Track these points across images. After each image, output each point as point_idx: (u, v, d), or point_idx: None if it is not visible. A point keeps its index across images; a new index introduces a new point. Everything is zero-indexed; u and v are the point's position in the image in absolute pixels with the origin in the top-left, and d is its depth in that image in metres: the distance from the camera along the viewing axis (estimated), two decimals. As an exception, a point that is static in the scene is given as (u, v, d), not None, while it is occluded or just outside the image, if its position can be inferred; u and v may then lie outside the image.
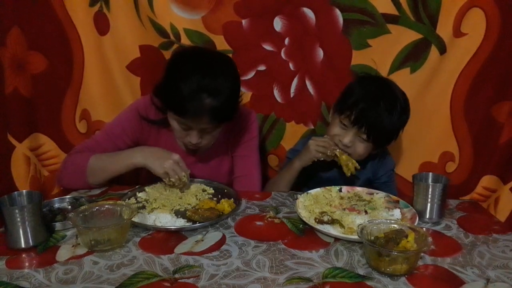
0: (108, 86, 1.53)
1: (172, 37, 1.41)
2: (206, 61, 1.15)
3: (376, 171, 1.42)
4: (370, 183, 1.42)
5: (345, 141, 1.25)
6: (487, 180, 1.46)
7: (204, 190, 1.24)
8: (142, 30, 1.44)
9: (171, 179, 1.17)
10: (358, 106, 1.21)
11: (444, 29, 1.34)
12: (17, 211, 0.88)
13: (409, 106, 1.28)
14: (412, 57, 1.39)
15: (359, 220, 1.04)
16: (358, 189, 1.25)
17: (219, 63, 1.16)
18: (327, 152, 1.25)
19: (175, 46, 1.44)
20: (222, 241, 0.96)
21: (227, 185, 1.29)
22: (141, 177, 1.41)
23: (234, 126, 1.36)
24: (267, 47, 1.45)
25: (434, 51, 1.37)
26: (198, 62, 1.13)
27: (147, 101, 1.29)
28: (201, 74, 1.09)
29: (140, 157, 1.20)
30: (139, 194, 1.19)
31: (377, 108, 1.21)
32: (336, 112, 1.30)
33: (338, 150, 1.26)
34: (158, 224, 1.01)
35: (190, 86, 1.08)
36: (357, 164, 1.27)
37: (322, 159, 1.28)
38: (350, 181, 1.33)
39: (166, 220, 1.03)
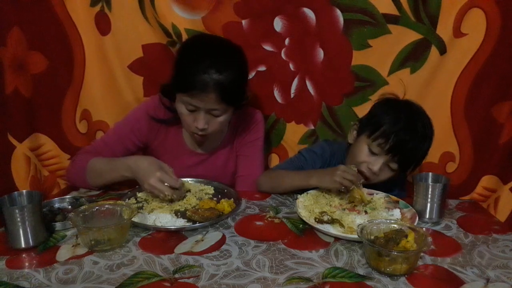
0: (109, 86, 1.52)
1: (174, 37, 1.41)
2: (217, 43, 1.21)
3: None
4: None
5: (375, 169, 1.17)
6: (487, 180, 1.45)
7: (202, 190, 1.24)
8: (147, 29, 1.44)
9: (160, 196, 1.11)
10: (395, 136, 1.13)
11: (444, 29, 1.34)
12: (17, 211, 0.88)
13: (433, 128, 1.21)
14: (412, 57, 1.39)
15: (359, 220, 1.04)
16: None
17: (229, 46, 1.21)
18: (350, 187, 1.11)
19: (178, 46, 1.44)
20: (222, 241, 0.96)
21: (228, 185, 1.29)
22: None
23: (240, 125, 1.37)
24: (267, 47, 1.44)
25: (434, 51, 1.37)
26: (209, 44, 1.20)
27: (156, 101, 1.30)
28: (211, 53, 1.15)
29: (129, 173, 1.16)
30: (139, 194, 1.19)
31: (414, 139, 1.15)
32: (363, 136, 1.21)
33: (355, 188, 1.12)
34: (158, 224, 1.02)
35: (200, 63, 1.12)
36: (366, 200, 1.15)
37: (340, 189, 1.15)
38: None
39: (166, 220, 1.04)
